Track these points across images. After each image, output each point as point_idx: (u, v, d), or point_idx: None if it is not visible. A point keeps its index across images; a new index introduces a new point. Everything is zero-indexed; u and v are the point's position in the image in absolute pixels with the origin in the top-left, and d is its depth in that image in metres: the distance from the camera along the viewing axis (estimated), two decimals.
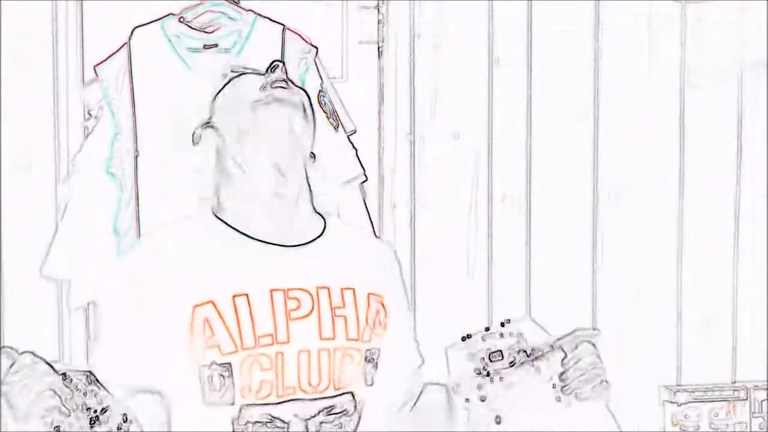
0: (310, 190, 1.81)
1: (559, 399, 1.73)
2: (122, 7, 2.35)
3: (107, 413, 1.58)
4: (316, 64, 2.36)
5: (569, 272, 2.58)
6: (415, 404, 1.83)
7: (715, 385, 2.62)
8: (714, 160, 2.63)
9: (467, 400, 1.75)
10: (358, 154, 2.38)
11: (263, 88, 1.75)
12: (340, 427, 1.71)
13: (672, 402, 2.59)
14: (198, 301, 1.67)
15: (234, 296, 1.68)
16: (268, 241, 1.73)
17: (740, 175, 2.64)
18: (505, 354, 1.76)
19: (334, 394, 1.71)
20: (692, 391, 2.60)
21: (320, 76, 2.35)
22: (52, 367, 1.56)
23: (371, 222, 2.41)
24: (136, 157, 2.31)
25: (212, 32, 2.33)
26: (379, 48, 2.51)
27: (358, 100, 2.45)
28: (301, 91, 1.79)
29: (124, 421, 1.60)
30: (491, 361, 1.76)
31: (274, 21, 2.35)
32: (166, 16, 2.33)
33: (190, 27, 2.32)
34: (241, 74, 1.83)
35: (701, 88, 2.62)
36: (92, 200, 2.33)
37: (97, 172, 2.33)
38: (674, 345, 2.63)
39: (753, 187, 2.64)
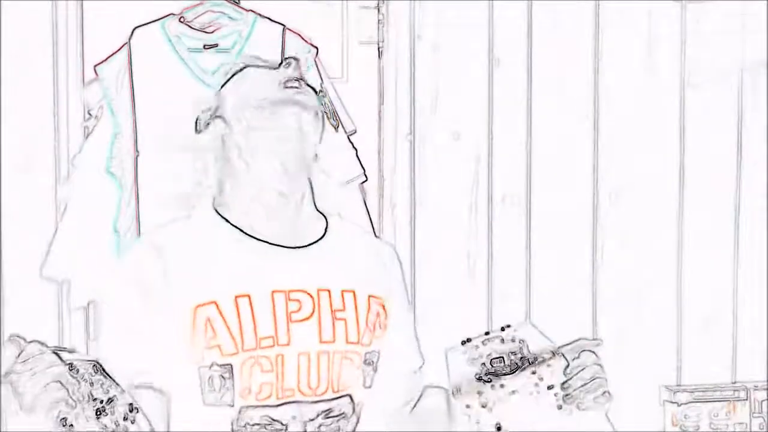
0: (313, 189, 1.80)
1: (560, 407, 1.73)
2: (122, 7, 2.34)
3: (113, 403, 1.57)
4: (316, 64, 2.37)
5: (569, 272, 2.58)
6: (414, 407, 1.83)
7: (715, 386, 2.62)
8: (714, 160, 2.63)
9: (468, 405, 1.74)
10: (358, 154, 2.38)
11: (280, 86, 1.74)
12: (338, 430, 1.71)
13: (672, 402, 2.59)
14: (200, 301, 1.66)
15: (236, 297, 1.67)
16: (271, 241, 1.73)
17: (740, 175, 2.64)
18: (507, 360, 1.76)
19: (333, 396, 1.70)
20: (692, 392, 2.60)
21: (320, 76, 2.35)
22: (59, 356, 1.54)
23: (371, 222, 2.41)
24: (136, 157, 2.31)
25: (212, 32, 2.33)
26: (379, 48, 2.51)
27: (358, 100, 2.45)
28: (312, 91, 1.77)
29: (131, 411, 1.59)
30: (492, 366, 1.75)
31: (274, 21, 2.36)
32: (167, 16, 2.33)
33: (191, 27, 2.32)
34: (252, 66, 1.80)
35: (701, 88, 2.62)
36: (92, 200, 2.33)
37: (97, 172, 2.33)
38: (674, 345, 2.63)
39: (753, 187, 2.64)
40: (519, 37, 2.55)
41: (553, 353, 1.75)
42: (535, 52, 2.56)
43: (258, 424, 1.66)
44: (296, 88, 1.74)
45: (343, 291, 1.73)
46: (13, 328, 2.33)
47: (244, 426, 1.66)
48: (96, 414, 1.55)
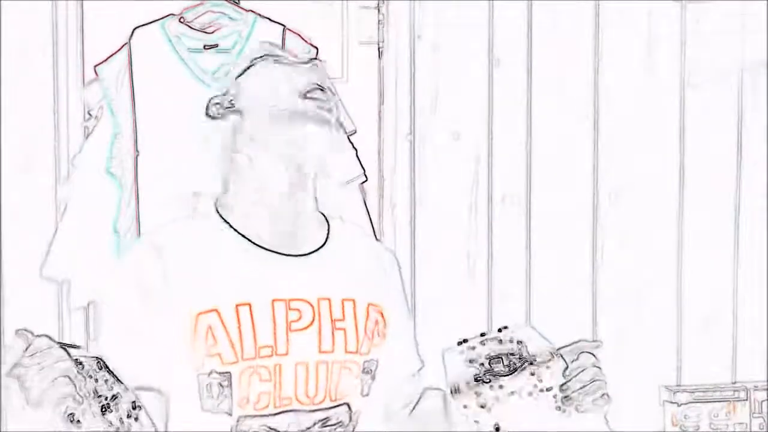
0: (315, 190, 1.78)
1: (558, 408, 1.72)
2: (122, 7, 2.34)
3: (117, 400, 1.57)
4: None
5: (569, 272, 2.58)
6: (414, 409, 1.82)
7: (715, 386, 2.62)
8: (714, 160, 2.63)
9: (466, 406, 1.74)
10: (358, 154, 2.38)
11: (300, 95, 1.70)
12: None
13: (672, 402, 2.59)
14: (202, 309, 1.66)
15: (237, 305, 1.66)
16: (273, 248, 1.71)
17: (740, 175, 2.64)
18: (505, 360, 1.75)
19: (330, 405, 1.70)
20: (692, 392, 2.60)
21: None
22: (67, 352, 1.53)
23: (371, 222, 2.41)
24: (136, 157, 2.31)
25: (212, 32, 2.33)
26: (379, 48, 2.51)
27: (358, 100, 2.44)
28: (333, 98, 1.74)
29: (134, 408, 1.59)
30: (491, 366, 1.75)
31: (274, 21, 2.35)
32: (167, 16, 2.33)
33: (191, 27, 2.32)
34: (274, 58, 1.75)
35: (701, 88, 2.62)
36: (92, 200, 2.33)
37: (97, 172, 2.33)
38: (674, 345, 2.63)
39: (753, 187, 2.64)
40: (519, 37, 2.55)
41: (552, 355, 1.75)
42: (535, 52, 2.55)
43: None
44: (318, 100, 1.71)
45: (343, 300, 1.72)
46: (13, 328, 2.32)
47: None
48: (101, 411, 1.54)
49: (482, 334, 1.79)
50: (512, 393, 1.73)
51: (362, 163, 2.38)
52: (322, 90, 1.72)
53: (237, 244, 1.71)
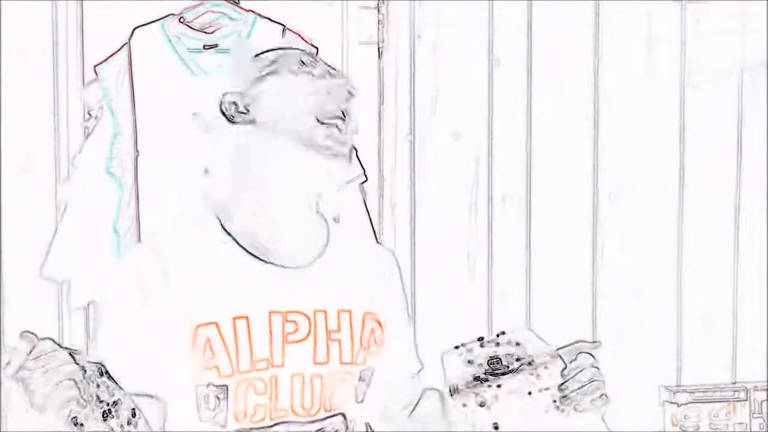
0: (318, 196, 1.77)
1: (557, 408, 1.73)
2: (122, 7, 2.34)
3: (118, 406, 1.57)
4: None
5: (569, 272, 2.58)
6: (413, 410, 1.82)
7: (715, 386, 2.62)
8: (714, 160, 2.63)
9: (464, 405, 1.74)
10: (358, 154, 2.38)
11: (317, 122, 1.64)
12: None
13: (672, 402, 2.59)
14: (201, 321, 1.65)
15: (234, 318, 1.65)
16: (271, 260, 1.69)
17: (740, 175, 2.64)
18: (504, 361, 1.76)
19: (326, 416, 1.70)
20: (692, 392, 2.60)
21: None
22: (72, 356, 1.53)
23: (371, 223, 2.41)
24: (136, 157, 2.31)
25: (212, 32, 2.33)
26: (379, 48, 2.51)
27: (358, 100, 2.44)
28: (351, 124, 1.68)
29: (133, 416, 1.59)
30: (490, 366, 1.75)
31: (274, 21, 2.36)
32: (167, 16, 2.33)
33: (191, 27, 2.32)
34: (297, 66, 1.69)
35: (701, 88, 2.61)
36: (92, 200, 2.33)
37: (97, 172, 2.33)
38: (674, 345, 2.63)
39: (753, 187, 2.64)
40: (519, 37, 2.55)
41: (551, 355, 1.75)
42: (535, 52, 2.55)
43: None
44: (335, 128, 1.66)
45: (339, 311, 1.71)
46: (13, 328, 2.33)
47: None
48: (103, 416, 1.54)
49: (480, 339, 1.79)
50: (511, 392, 1.73)
51: (362, 163, 2.38)
52: (342, 119, 1.67)
53: (238, 257, 1.69)
